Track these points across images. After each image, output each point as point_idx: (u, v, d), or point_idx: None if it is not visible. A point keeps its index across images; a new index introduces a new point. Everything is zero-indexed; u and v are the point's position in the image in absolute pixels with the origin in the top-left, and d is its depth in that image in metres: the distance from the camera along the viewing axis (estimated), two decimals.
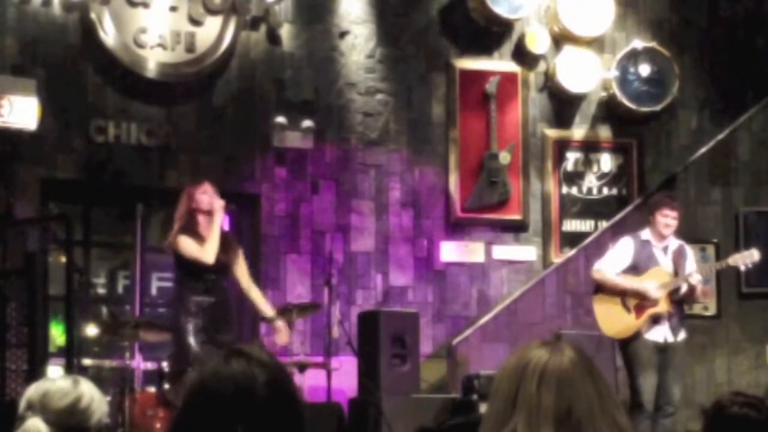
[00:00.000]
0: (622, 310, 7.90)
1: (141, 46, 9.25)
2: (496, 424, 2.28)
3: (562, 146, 10.36)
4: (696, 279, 7.82)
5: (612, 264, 8.01)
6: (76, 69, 9.20)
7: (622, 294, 7.91)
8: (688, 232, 9.94)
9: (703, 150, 10.24)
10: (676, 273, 7.91)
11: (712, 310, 9.91)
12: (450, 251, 9.98)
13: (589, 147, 10.44)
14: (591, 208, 10.32)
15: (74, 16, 9.21)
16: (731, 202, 10.12)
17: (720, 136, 10.27)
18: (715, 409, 2.92)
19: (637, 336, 7.84)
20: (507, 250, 10.10)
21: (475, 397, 8.52)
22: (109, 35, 9.17)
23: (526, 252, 10.14)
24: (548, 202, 10.24)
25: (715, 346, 9.90)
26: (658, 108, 10.34)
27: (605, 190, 10.40)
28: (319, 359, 8.43)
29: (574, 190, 10.34)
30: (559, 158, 10.33)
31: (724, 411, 2.88)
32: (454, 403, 8.66)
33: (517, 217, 10.13)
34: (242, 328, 8.92)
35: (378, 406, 8.12)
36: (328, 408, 8.13)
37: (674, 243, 8.05)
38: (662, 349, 7.85)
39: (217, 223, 7.57)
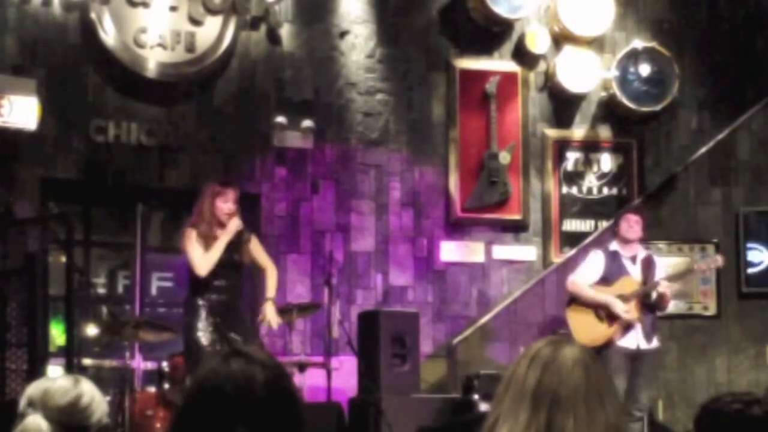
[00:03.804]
0: (595, 320, 8.15)
1: (141, 45, 9.25)
2: (495, 405, 2.46)
3: (562, 146, 10.36)
4: (665, 286, 8.02)
5: (585, 277, 8.28)
6: (76, 69, 9.19)
7: (594, 305, 8.14)
8: (688, 232, 9.97)
9: (703, 150, 10.24)
10: (645, 282, 8.12)
11: (712, 310, 9.91)
12: (450, 251, 9.97)
13: (589, 147, 10.43)
14: (591, 208, 10.32)
15: (74, 16, 9.20)
16: (731, 202, 10.12)
17: (720, 136, 10.26)
18: (708, 406, 2.92)
19: (609, 344, 8.02)
20: (507, 250, 10.10)
21: (475, 397, 8.52)
22: (109, 35, 9.17)
23: (526, 252, 10.14)
24: (548, 202, 10.24)
25: (715, 346, 9.90)
26: (658, 108, 10.34)
27: (605, 190, 10.40)
28: (319, 359, 8.43)
29: (574, 190, 10.33)
30: (559, 158, 10.33)
31: (717, 408, 2.88)
32: (454, 403, 8.66)
33: (517, 217, 10.13)
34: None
35: (378, 406, 8.12)
36: (328, 408, 8.13)
37: (642, 253, 8.29)
38: (634, 356, 8.03)
39: (222, 240, 7.50)
